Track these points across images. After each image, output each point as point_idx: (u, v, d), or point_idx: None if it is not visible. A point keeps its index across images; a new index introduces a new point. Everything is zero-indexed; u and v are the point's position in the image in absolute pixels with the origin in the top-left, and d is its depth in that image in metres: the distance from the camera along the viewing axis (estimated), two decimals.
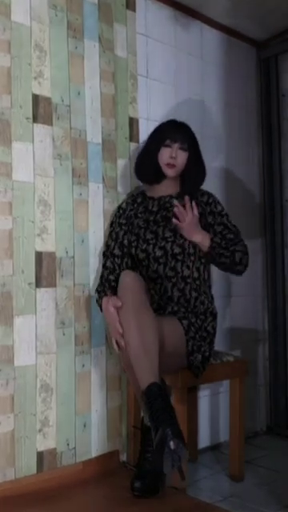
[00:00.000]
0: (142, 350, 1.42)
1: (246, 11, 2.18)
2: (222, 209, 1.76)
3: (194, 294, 1.69)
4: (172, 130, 1.72)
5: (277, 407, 2.36)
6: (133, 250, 1.71)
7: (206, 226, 1.71)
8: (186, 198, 1.66)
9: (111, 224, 1.79)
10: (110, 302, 1.52)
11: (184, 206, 1.65)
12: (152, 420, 1.34)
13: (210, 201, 1.75)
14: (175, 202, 1.67)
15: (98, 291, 1.70)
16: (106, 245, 1.76)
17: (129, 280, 1.52)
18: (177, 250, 1.67)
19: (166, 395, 1.39)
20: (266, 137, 2.43)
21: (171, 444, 1.29)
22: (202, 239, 1.65)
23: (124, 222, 1.76)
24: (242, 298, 2.31)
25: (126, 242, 1.74)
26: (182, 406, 1.62)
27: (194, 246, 1.68)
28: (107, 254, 1.74)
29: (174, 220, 1.64)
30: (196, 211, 1.64)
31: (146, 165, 1.75)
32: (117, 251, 1.73)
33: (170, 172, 1.72)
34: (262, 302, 2.42)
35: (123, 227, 1.75)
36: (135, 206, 1.78)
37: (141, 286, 1.53)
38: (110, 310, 1.52)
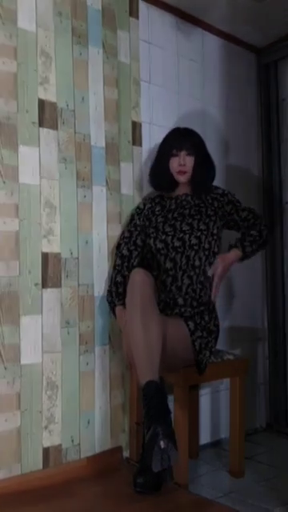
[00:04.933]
0: (144, 347, 1.46)
1: (246, 18, 2.21)
2: (236, 198, 1.89)
3: (199, 286, 1.74)
4: (176, 140, 1.80)
5: (276, 405, 2.38)
6: (151, 241, 1.77)
7: (224, 215, 1.83)
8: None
9: (128, 225, 1.86)
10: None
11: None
12: (146, 417, 1.38)
13: (226, 192, 1.87)
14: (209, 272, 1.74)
15: (109, 291, 1.77)
16: (118, 244, 1.83)
17: (138, 278, 1.56)
18: (194, 241, 1.74)
19: (163, 395, 1.42)
20: (266, 141, 2.46)
21: (161, 443, 1.32)
22: (236, 257, 1.75)
23: (139, 222, 1.84)
24: (242, 298, 2.34)
25: (139, 241, 1.81)
26: (184, 403, 1.64)
27: (210, 241, 1.75)
28: (118, 253, 1.81)
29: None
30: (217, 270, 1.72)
31: (160, 176, 1.85)
32: (125, 252, 1.79)
33: (181, 178, 1.81)
34: (261, 302, 2.45)
35: (138, 228, 1.83)
36: (153, 204, 1.86)
37: (150, 284, 1.57)
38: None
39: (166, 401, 1.43)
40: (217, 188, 1.87)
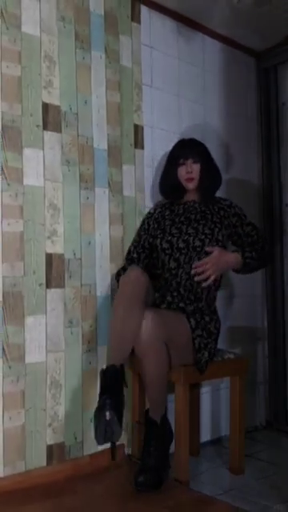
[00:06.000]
0: (119, 334, 1.56)
1: (246, 23, 2.23)
2: (243, 212, 1.93)
3: (195, 282, 1.78)
4: (182, 150, 1.90)
5: (275, 403, 2.41)
6: (158, 241, 1.84)
7: (229, 225, 1.87)
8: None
9: (139, 230, 1.94)
10: None
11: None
12: (100, 392, 1.47)
13: (234, 204, 1.92)
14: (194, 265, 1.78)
15: (116, 273, 1.87)
16: (128, 250, 1.92)
17: (133, 274, 1.65)
18: (197, 243, 1.79)
19: (120, 377, 1.50)
20: (266, 144, 2.49)
21: (107, 414, 1.37)
22: (235, 259, 1.80)
23: (147, 226, 1.92)
24: (242, 298, 2.37)
25: (146, 243, 1.88)
26: (185, 401, 1.67)
27: (213, 245, 1.79)
28: (128, 257, 1.89)
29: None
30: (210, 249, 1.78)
31: (169, 185, 1.92)
32: (134, 255, 1.88)
33: (190, 185, 1.88)
34: (261, 302, 2.47)
35: (147, 231, 1.91)
36: (163, 209, 1.94)
37: (143, 283, 1.64)
38: None
39: (122, 383, 1.51)
40: (225, 200, 1.94)
